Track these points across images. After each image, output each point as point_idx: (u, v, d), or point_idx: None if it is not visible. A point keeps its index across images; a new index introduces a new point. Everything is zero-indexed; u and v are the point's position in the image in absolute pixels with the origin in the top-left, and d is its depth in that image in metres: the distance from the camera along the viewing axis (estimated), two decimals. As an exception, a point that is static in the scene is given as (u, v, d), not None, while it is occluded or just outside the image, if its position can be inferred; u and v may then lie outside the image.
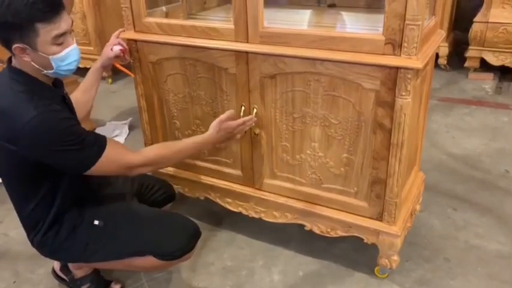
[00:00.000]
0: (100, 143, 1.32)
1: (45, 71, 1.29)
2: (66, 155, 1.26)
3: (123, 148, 1.40)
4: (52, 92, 1.36)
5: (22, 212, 1.43)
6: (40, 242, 1.43)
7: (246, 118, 1.60)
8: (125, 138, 2.99)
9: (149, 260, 1.44)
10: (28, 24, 1.19)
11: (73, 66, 1.33)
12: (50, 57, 1.25)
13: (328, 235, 1.71)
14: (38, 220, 1.41)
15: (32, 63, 1.26)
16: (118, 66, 1.81)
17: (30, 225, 1.43)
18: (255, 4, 1.47)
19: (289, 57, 1.49)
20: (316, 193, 1.69)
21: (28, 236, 1.46)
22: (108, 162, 1.32)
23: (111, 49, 1.72)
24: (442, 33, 1.67)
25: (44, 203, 1.38)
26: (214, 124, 1.55)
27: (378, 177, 1.53)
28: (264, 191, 1.80)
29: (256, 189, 1.81)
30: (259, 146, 1.71)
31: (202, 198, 1.98)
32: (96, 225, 1.42)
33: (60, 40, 1.25)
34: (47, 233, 1.41)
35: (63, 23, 1.24)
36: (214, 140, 1.55)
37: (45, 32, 1.21)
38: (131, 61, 1.82)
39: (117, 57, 1.74)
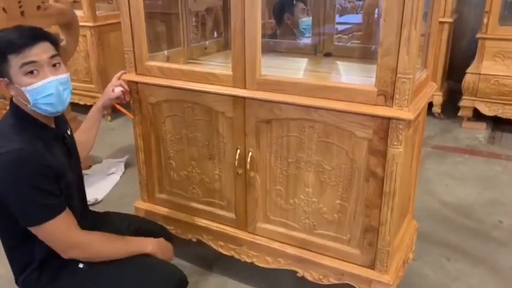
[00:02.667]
0: (56, 208, 1.27)
1: (29, 106, 1.29)
2: (21, 200, 1.23)
3: (72, 222, 1.34)
4: (44, 130, 1.35)
5: (11, 252, 1.41)
6: (25, 283, 1.40)
7: None
8: (121, 176, 3.00)
9: None
10: (1, 56, 1.23)
11: (52, 100, 1.28)
12: (23, 88, 1.25)
13: (321, 282, 1.69)
14: (27, 261, 1.39)
15: (18, 97, 1.29)
16: (118, 106, 1.84)
17: (19, 267, 1.41)
18: (253, 52, 1.53)
19: (285, 104, 1.53)
20: (309, 239, 1.68)
21: (16, 280, 1.43)
22: (52, 229, 1.27)
23: (113, 90, 1.76)
24: (434, 86, 1.72)
25: (34, 243, 1.36)
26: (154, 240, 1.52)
27: (371, 225, 1.53)
28: (257, 235, 1.79)
29: (249, 233, 1.80)
30: (254, 189, 1.73)
31: (194, 240, 1.96)
32: (80, 268, 1.40)
33: (28, 69, 1.24)
34: (32, 274, 1.38)
35: (35, 53, 1.23)
36: (148, 249, 1.47)
37: (15, 62, 1.23)
38: (131, 101, 1.87)
39: (117, 97, 1.78)
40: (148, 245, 1.49)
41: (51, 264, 1.38)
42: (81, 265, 1.40)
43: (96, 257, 1.39)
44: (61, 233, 1.30)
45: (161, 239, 1.56)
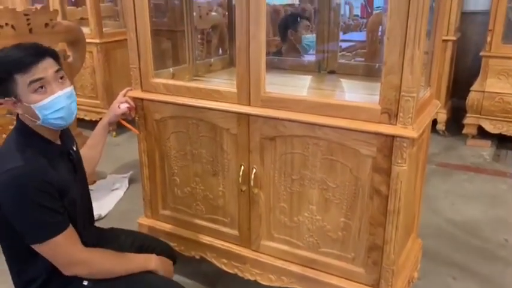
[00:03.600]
0: (59, 225, 1.28)
1: (37, 122, 1.30)
2: (24, 218, 1.24)
3: (76, 239, 1.34)
4: (49, 146, 1.35)
5: (14, 269, 1.40)
6: None
7: None
8: (124, 192, 3.00)
9: None
10: (7, 76, 1.23)
11: (62, 114, 1.31)
12: (32, 105, 1.26)
13: (324, 301, 1.67)
14: (31, 278, 1.38)
15: (25, 115, 1.30)
16: (123, 122, 1.86)
17: (21, 284, 1.40)
18: (257, 70, 1.54)
19: (289, 121, 1.53)
20: (313, 257, 1.67)
21: None
22: (55, 247, 1.27)
23: (119, 106, 1.77)
24: (437, 104, 1.73)
25: (38, 260, 1.36)
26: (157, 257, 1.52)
27: (375, 244, 1.52)
28: (261, 252, 1.78)
29: (253, 250, 1.79)
30: (257, 206, 1.72)
31: (197, 257, 1.95)
32: (85, 285, 1.39)
33: (36, 86, 1.25)
34: None
35: (41, 70, 1.25)
36: (151, 266, 1.47)
37: (22, 80, 1.24)
38: (136, 118, 1.88)
39: (123, 114, 1.79)
40: (151, 262, 1.49)
41: (56, 282, 1.38)
42: (85, 282, 1.39)
43: (98, 274, 1.38)
44: (64, 250, 1.30)
45: (163, 257, 1.55)
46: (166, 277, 1.54)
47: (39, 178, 1.24)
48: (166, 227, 2.00)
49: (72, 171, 1.42)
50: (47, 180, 1.25)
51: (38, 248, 1.28)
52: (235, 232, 1.83)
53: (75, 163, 1.45)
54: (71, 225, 1.32)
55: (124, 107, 1.77)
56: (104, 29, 3.92)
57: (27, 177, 1.23)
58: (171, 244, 1.89)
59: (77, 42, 2.94)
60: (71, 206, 1.34)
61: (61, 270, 1.33)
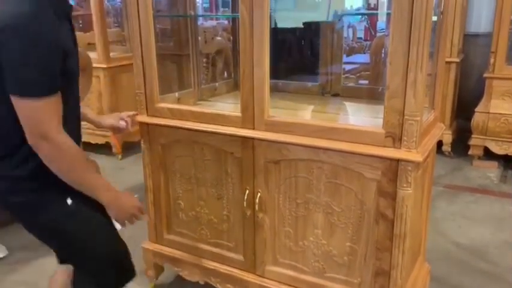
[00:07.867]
0: (53, 88, 1.19)
1: None
2: (22, 63, 1.14)
3: (59, 115, 1.22)
4: (61, 4, 1.28)
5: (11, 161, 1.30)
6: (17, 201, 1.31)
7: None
8: (129, 215, 2.99)
9: None
10: None
11: None
12: None
13: (331, 328, 1.64)
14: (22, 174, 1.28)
15: None
16: (114, 136, 1.84)
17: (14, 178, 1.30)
18: (261, 95, 1.55)
19: (293, 145, 1.54)
20: (319, 282, 1.65)
21: (8, 193, 1.32)
22: (40, 108, 1.16)
23: (119, 121, 1.75)
24: (442, 126, 1.73)
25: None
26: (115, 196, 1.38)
27: (382, 269, 1.50)
28: (266, 278, 1.76)
29: (258, 275, 1.77)
30: (262, 231, 1.71)
31: (202, 282, 1.93)
32: (68, 204, 1.33)
33: None
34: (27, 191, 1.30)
35: None
36: (103, 201, 1.35)
37: None
38: (141, 142, 1.88)
39: (118, 128, 1.76)
40: (106, 197, 1.35)
41: (50, 189, 1.30)
42: (69, 201, 1.33)
43: (55, 163, 1.24)
44: (41, 116, 1.18)
45: (130, 200, 1.45)
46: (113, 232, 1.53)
47: (52, 35, 1.17)
48: (171, 251, 1.98)
49: (72, 41, 1.35)
50: (58, 40, 1.19)
51: (17, 101, 1.17)
52: (239, 257, 1.81)
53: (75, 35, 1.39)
54: (60, 96, 1.22)
55: (123, 124, 1.75)
56: (111, 54, 3.98)
57: (41, 27, 1.15)
58: (176, 269, 1.87)
59: (84, 67, 2.98)
60: (69, 75, 1.28)
61: (27, 136, 1.21)
